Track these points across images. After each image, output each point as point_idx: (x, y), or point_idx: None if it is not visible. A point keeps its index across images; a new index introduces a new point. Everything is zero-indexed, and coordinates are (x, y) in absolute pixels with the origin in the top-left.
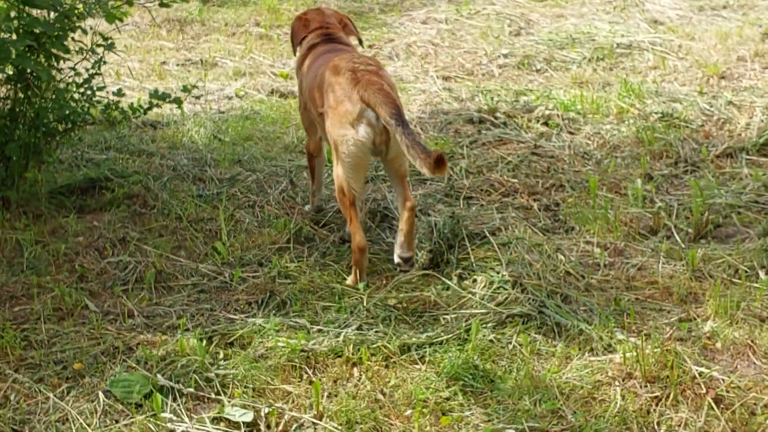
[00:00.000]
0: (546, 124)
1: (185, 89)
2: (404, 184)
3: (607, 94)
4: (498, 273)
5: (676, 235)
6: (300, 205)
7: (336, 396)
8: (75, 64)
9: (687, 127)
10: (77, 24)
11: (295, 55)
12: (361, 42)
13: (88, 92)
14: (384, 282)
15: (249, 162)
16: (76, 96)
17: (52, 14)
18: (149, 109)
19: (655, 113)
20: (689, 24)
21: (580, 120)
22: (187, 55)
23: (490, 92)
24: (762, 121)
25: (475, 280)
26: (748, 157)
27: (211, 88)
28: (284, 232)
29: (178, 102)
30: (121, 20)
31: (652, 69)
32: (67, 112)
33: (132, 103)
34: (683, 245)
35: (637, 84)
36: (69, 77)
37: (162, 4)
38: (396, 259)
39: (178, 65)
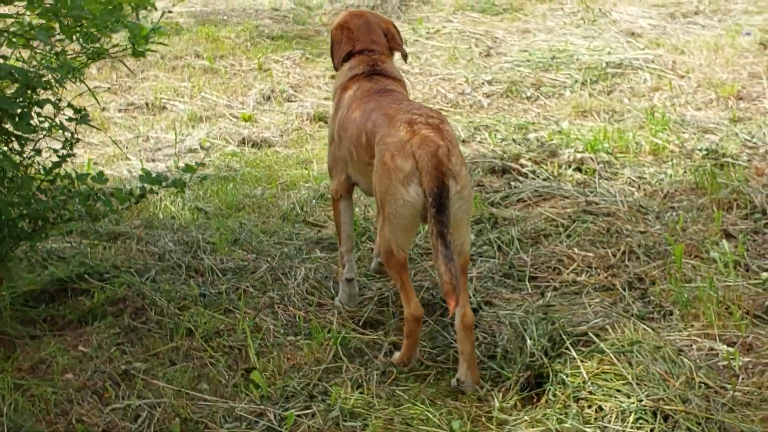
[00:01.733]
0: (579, 169)
1: (188, 169)
2: (464, 283)
3: (626, 126)
4: (629, 397)
5: None
6: (332, 302)
7: None
8: (36, 143)
9: (735, 164)
10: (43, 96)
11: (336, 69)
12: (405, 57)
13: (65, 181)
14: (474, 410)
15: (249, 241)
16: (48, 185)
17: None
18: (142, 197)
19: (699, 150)
20: (665, 34)
21: (615, 162)
22: (128, 98)
23: (488, 128)
24: None
25: (600, 408)
26: None
27: (167, 138)
28: (327, 344)
29: (181, 186)
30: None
31: (654, 91)
32: (39, 208)
33: (118, 190)
34: None
35: (659, 113)
36: (31, 159)
37: (135, 54)
38: (454, 382)
39: (120, 111)
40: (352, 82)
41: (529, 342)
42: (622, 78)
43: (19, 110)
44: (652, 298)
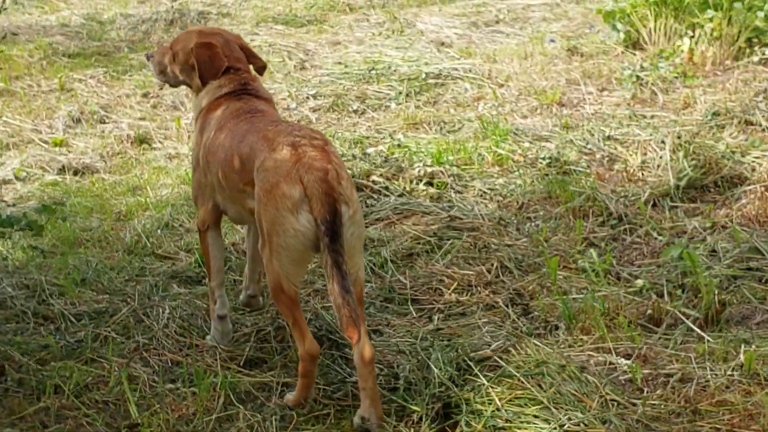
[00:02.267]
0: (430, 183)
1: (47, 210)
2: (360, 307)
3: (461, 137)
4: (549, 422)
5: (690, 324)
6: (205, 341)
7: None
8: None
9: (576, 170)
10: None
11: (197, 90)
12: (264, 68)
13: None
14: None
15: (98, 280)
16: None
17: None
18: None
19: (542, 159)
20: (472, 43)
21: (464, 175)
22: None
23: None
24: (665, 158)
25: None
26: (674, 204)
27: None
28: (213, 390)
29: (38, 228)
30: None
31: (477, 100)
32: None
33: None
34: (709, 338)
35: (492, 123)
36: None
37: None
38: (357, 421)
39: None
40: (219, 101)
41: (435, 371)
42: (443, 88)
43: None
44: (536, 313)
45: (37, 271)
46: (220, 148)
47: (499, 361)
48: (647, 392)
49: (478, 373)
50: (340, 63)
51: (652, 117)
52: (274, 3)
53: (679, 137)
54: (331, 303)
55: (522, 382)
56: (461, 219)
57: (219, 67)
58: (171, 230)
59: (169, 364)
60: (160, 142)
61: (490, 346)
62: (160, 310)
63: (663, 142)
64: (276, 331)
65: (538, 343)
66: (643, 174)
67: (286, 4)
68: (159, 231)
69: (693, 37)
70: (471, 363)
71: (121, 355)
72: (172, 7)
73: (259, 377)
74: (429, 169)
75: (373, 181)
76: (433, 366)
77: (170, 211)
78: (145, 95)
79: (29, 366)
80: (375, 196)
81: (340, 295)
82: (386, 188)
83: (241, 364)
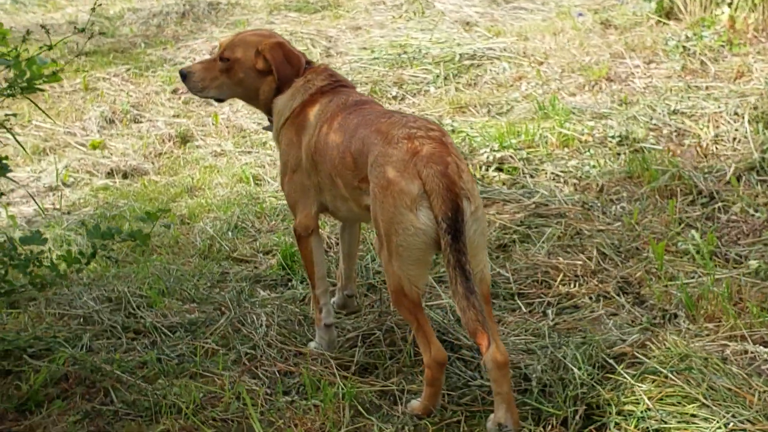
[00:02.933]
0: (500, 169)
1: (151, 216)
2: (489, 314)
3: (514, 119)
4: (709, 421)
5: None
6: (310, 347)
7: None
8: None
9: (648, 148)
10: None
11: (265, 95)
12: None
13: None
14: None
15: (182, 288)
16: None
17: None
18: (93, 256)
19: (611, 138)
20: (496, 21)
21: (533, 158)
22: None
23: None
24: (741, 130)
25: None
26: (762, 178)
27: (18, 176)
28: (338, 402)
29: (144, 238)
30: None
31: (518, 80)
32: None
33: (69, 252)
34: None
35: (548, 103)
36: None
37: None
38: (492, 427)
39: None
40: (314, 98)
41: (575, 370)
42: (480, 69)
43: None
44: (651, 301)
45: (117, 282)
46: (331, 146)
47: (639, 356)
48: None
49: (621, 371)
50: (365, 48)
51: (707, 88)
52: None
53: (755, 108)
54: (448, 301)
55: (669, 379)
56: (546, 206)
57: (299, 65)
58: (242, 232)
59: (278, 375)
60: (201, 139)
61: (624, 341)
62: (255, 318)
63: (736, 113)
64: (384, 334)
65: (675, 337)
66: (717, 148)
67: None
68: (230, 233)
69: (731, 4)
70: (609, 360)
71: (225, 368)
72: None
73: (378, 385)
74: (498, 154)
75: None
76: (570, 365)
77: (237, 212)
78: (174, 92)
79: (136, 385)
80: None
81: (465, 297)
82: None
83: (354, 371)
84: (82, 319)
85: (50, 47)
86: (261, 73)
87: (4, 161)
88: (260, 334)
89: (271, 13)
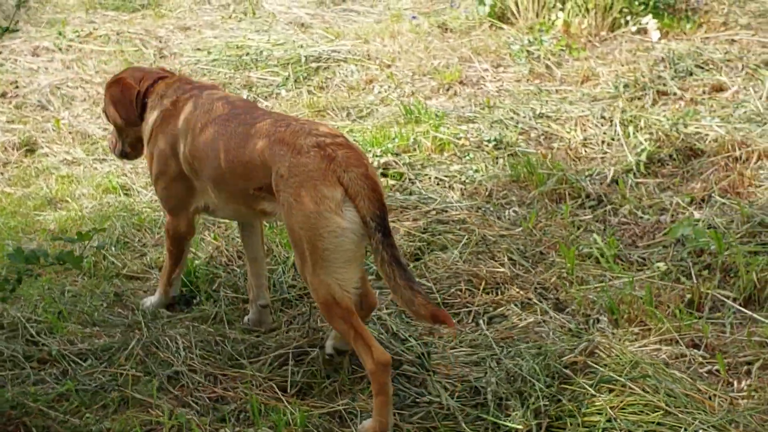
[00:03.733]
0: (384, 174)
1: (83, 237)
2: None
3: (381, 123)
4: (678, 430)
5: (735, 305)
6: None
7: None
8: None
9: (521, 152)
10: None
11: (132, 120)
12: None
13: None
14: None
15: (78, 311)
16: None
17: None
18: (20, 282)
19: (487, 142)
20: (328, 23)
21: (414, 164)
22: None
23: None
24: (610, 133)
25: None
26: (639, 180)
27: None
28: (291, 428)
29: (76, 261)
30: None
31: (369, 83)
32: None
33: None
34: (762, 319)
35: (415, 107)
36: None
37: None
38: (329, 350)
39: None
40: (176, 104)
41: (537, 383)
42: (328, 72)
43: None
44: (573, 307)
45: (6, 306)
46: (211, 154)
47: (592, 364)
48: (736, 384)
49: (580, 381)
50: (200, 49)
51: (558, 92)
52: None
53: (624, 111)
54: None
55: (627, 387)
56: (446, 212)
57: (131, 95)
58: (126, 247)
59: (208, 401)
60: (47, 147)
61: (572, 350)
62: (169, 340)
63: (603, 117)
64: (317, 351)
65: (616, 341)
66: (586, 151)
67: None
68: (113, 248)
69: (563, 9)
70: (565, 370)
71: (149, 396)
72: None
73: (324, 407)
74: (381, 160)
75: None
76: (528, 376)
77: (117, 225)
78: (2, 95)
79: (65, 420)
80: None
81: (408, 288)
82: None
83: (293, 393)
84: None
85: None
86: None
87: None
88: (181, 358)
89: (87, 11)
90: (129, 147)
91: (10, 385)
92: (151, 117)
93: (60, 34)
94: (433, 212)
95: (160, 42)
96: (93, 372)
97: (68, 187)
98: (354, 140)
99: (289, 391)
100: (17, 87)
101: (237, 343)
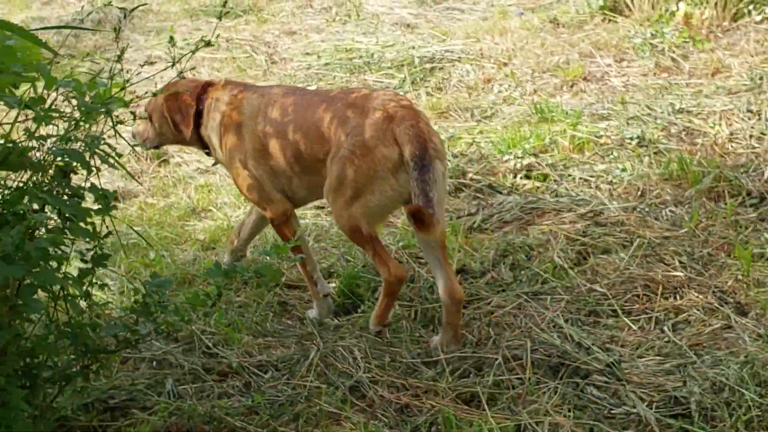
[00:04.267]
0: (527, 177)
1: (280, 250)
2: (445, 257)
3: (507, 122)
4: None
5: None
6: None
7: None
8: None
9: (666, 149)
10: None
11: (186, 136)
12: None
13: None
14: None
15: (247, 321)
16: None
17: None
18: (220, 297)
19: (629, 140)
20: (433, 23)
21: (557, 165)
22: None
23: None
24: (760, 128)
25: None
26: None
27: None
28: None
29: (273, 275)
30: None
31: (488, 82)
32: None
33: (195, 294)
34: None
35: (545, 106)
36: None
37: None
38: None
39: None
40: (234, 101)
41: (746, 392)
42: (443, 72)
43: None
44: (756, 311)
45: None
46: (281, 132)
47: None
48: None
49: None
50: (309, 54)
51: (688, 85)
52: None
53: None
54: None
55: None
56: (601, 213)
57: (188, 108)
58: (280, 255)
59: (395, 413)
60: (179, 156)
61: None
62: (343, 350)
63: (750, 111)
64: (490, 356)
65: None
66: (733, 146)
67: None
68: (268, 258)
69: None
70: None
71: (337, 407)
72: (92, 6)
73: (510, 418)
74: (524, 161)
75: (472, 179)
76: (736, 386)
77: (271, 234)
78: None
79: None
80: (480, 196)
81: (423, 198)
82: (490, 186)
83: (476, 403)
84: (154, 363)
85: None
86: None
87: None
88: (360, 368)
89: (191, 18)
90: (159, 143)
91: (196, 399)
92: (213, 121)
93: (171, 41)
94: (590, 214)
95: (269, 47)
96: (276, 384)
97: (208, 196)
98: (486, 141)
99: (473, 401)
100: (138, 97)
101: (409, 352)
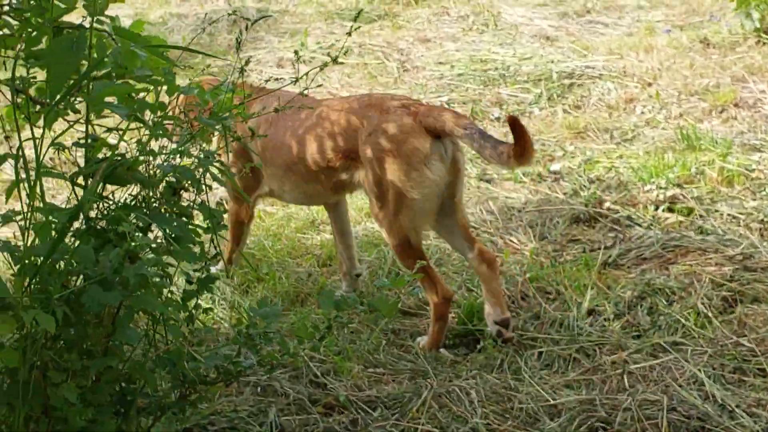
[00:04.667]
0: (670, 210)
1: (398, 283)
2: (469, 235)
3: (649, 148)
4: None
5: None
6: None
7: None
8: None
9: None
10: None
11: None
12: None
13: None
14: None
15: (357, 350)
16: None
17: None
18: (328, 330)
19: None
20: (573, 36)
21: (704, 198)
22: None
23: None
24: None
25: None
26: None
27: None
28: None
29: (389, 309)
30: None
31: (630, 102)
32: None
33: (303, 325)
34: None
35: (692, 132)
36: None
37: None
38: (491, 327)
39: None
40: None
41: None
42: (582, 89)
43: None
44: None
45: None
46: (283, 137)
47: None
48: None
49: None
50: (442, 63)
51: None
52: None
53: None
54: None
55: None
56: (752, 258)
57: None
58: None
59: None
60: None
61: None
62: (458, 390)
63: None
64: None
65: None
66: None
67: None
68: (386, 279)
69: None
70: None
71: None
72: (229, 5)
73: None
74: (667, 193)
75: (609, 209)
76: None
77: (385, 253)
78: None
79: None
80: (617, 228)
81: (493, 148)
82: (628, 218)
83: None
84: (259, 389)
85: None
86: None
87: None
88: (476, 414)
89: (326, 21)
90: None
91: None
92: None
93: (302, 45)
94: (738, 257)
95: (402, 55)
96: (385, 424)
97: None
98: (625, 167)
99: None
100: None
101: (531, 398)
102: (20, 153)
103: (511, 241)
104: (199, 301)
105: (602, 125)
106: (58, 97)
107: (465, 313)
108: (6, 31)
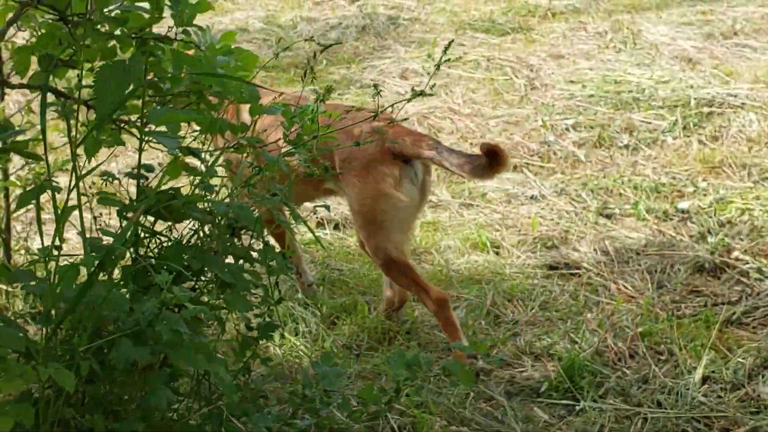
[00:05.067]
0: None
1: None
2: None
3: None
4: None
5: None
6: None
7: None
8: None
9: None
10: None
11: None
12: None
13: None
14: None
15: (439, 402)
16: None
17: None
18: (397, 394)
19: None
20: (717, 59)
21: None
22: None
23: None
24: None
25: None
26: None
27: None
28: None
29: (466, 378)
30: None
31: None
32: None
33: (369, 387)
34: None
35: None
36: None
37: None
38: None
39: None
40: None
41: None
42: (721, 118)
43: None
44: None
45: (360, 382)
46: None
47: None
48: None
49: None
50: (573, 82)
51: None
52: (462, 7)
53: None
54: None
55: None
56: None
57: None
58: (497, 321)
59: None
60: None
61: None
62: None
63: None
64: None
65: None
66: None
67: (476, 7)
68: (482, 322)
69: None
70: None
71: None
72: (360, 11)
73: None
74: None
75: (738, 259)
76: None
77: (488, 292)
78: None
79: None
80: (745, 281)
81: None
82: (759, 270)
83: None
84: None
85: None
86: None
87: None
88: None
89: (456, 32)
90: None
91: None
92: None
93: (429, 56)
94: None
95: (531, 71)
96: None
97: (433, 235)
98: (761, 210)
99: None
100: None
101: None
102: (74, 178)
103: (625, 286)
104: (257, 350)
105: (740, 160)
106: (100, 121)
107: (564, 368)
108: (89, 42)
